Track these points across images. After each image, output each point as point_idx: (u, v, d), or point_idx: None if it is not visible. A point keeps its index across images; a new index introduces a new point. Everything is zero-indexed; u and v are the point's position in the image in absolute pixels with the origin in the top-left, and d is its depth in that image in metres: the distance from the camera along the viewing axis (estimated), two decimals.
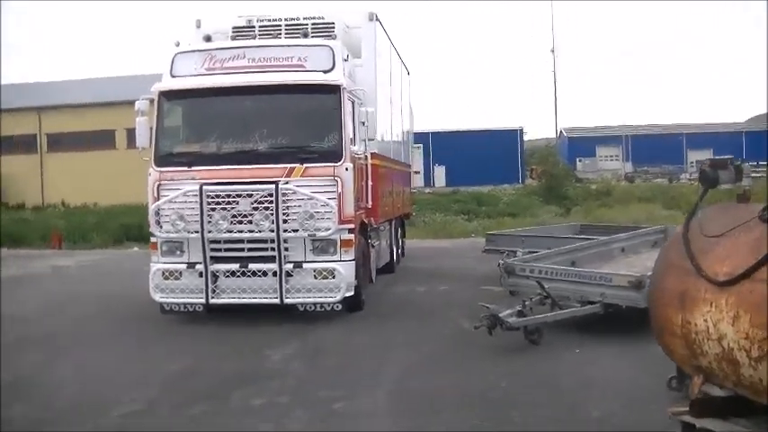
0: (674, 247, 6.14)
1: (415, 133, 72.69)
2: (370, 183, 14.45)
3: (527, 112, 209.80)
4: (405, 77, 21.69)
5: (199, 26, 14.90)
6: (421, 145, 78.97)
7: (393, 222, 18.82)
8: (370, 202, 14.47)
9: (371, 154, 14.71)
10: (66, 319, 14.19)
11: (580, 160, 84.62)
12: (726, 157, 6.93)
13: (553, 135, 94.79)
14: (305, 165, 12.43)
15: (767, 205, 5.59)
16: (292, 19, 14.84)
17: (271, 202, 12.23)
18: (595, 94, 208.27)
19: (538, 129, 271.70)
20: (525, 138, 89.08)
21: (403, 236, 21.93)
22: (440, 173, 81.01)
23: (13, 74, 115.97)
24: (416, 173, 78.07)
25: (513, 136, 79.51)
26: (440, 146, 79.94)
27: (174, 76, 13.05)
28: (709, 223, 5.96)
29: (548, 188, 48.67)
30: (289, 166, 12.43)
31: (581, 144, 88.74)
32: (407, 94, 22.04)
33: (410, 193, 24.15)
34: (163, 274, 12.71)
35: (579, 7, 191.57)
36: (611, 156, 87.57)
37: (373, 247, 15.28)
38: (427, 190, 68.02)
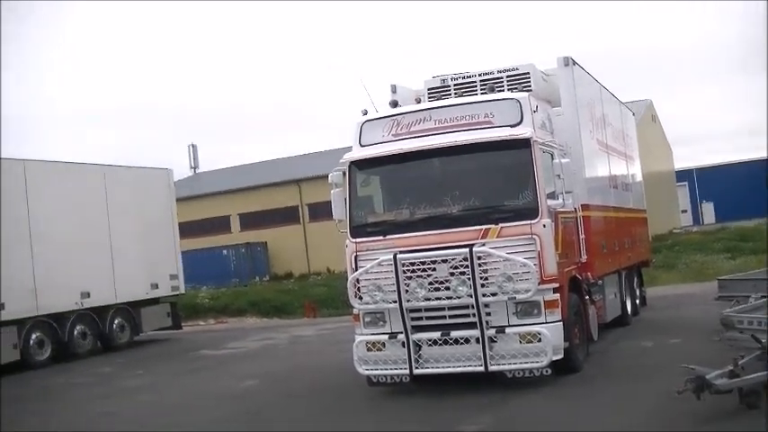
0: None
1: (677, 171, 70.38)
2: (582, 236, 13.75)
3: None
4: (628, 119, 20.59)
5: (394, 91, 14.70)
6: (686, 182, 75.69)
7: (623, 273, 17.71)
8: (584, 257, 13.75)
9: (583, 205, 13.99)
10: (275, 394, 14.24)
11: None
12: None
13: None
14: (500, 225, 11.79)
15: None
16: (486, 73, 14.29)
17: (466, 266, 11.65)
18: None
19: None
20: None
21: (641, 285, 20.70)
22: (708, 209, 77.24)
23: (274, 151, 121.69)
24: (683, 212, 74.93)
25: None
26: (705, 181, 76.32)
27: (362, 146, 12.89)
28: None
29: None
30: (484, 227, 11.84)
31: None
32: (632, 136, 20.85)
33: (647, 240, 22.72)
34: (366, 345, 12.46)
35: None
36: None
37: (593, 302, 14.35)
38: (695, 228, 64.98)
